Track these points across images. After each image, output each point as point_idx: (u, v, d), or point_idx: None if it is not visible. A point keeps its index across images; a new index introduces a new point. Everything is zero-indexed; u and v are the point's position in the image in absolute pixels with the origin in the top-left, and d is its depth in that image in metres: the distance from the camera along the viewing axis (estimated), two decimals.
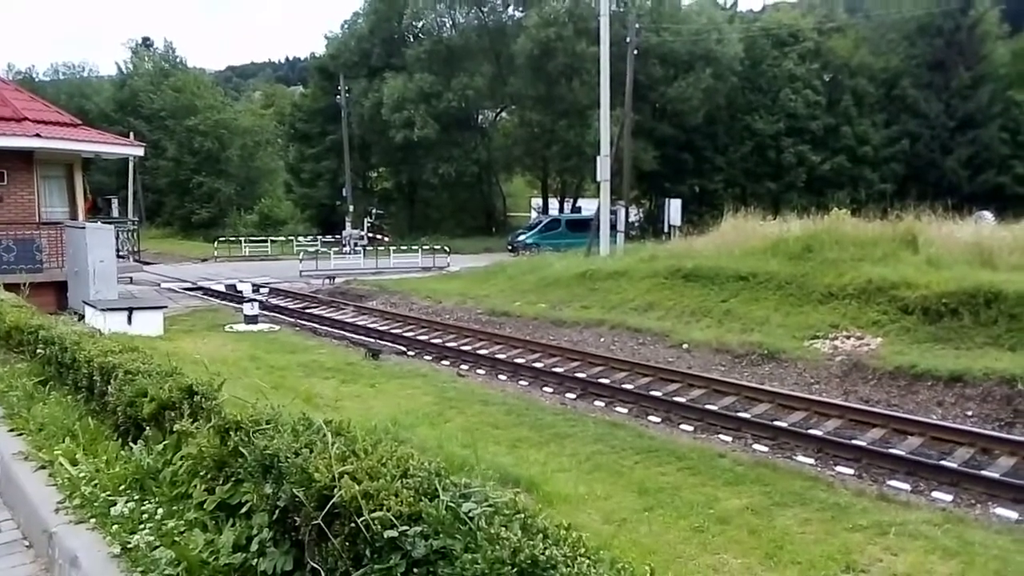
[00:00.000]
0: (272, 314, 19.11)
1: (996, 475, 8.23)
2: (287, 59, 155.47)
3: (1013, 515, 7.35)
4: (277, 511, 2.56)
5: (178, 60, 64.76)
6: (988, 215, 23.62)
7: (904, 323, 13.45)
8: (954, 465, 8.58)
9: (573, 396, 12.00)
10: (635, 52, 33.13)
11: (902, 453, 9.00)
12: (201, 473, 3.27)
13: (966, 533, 6.48)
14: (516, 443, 8.72)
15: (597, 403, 11.56)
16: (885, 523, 6.49)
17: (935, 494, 7.91)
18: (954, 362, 11.57)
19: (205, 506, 3.11)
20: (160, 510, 3.31)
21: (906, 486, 8.10)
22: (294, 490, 2.39)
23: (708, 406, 11.04)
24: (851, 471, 8.58)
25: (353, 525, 2.11)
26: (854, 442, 9.36)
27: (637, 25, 36.08)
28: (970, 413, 10.51)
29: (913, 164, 47.43)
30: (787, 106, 46.55)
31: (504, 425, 9.52)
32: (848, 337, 13.51)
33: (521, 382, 12.97)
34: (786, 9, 57.50)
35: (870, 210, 19.17)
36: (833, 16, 53.78)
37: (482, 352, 15.12)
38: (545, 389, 12.44)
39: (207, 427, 3.31)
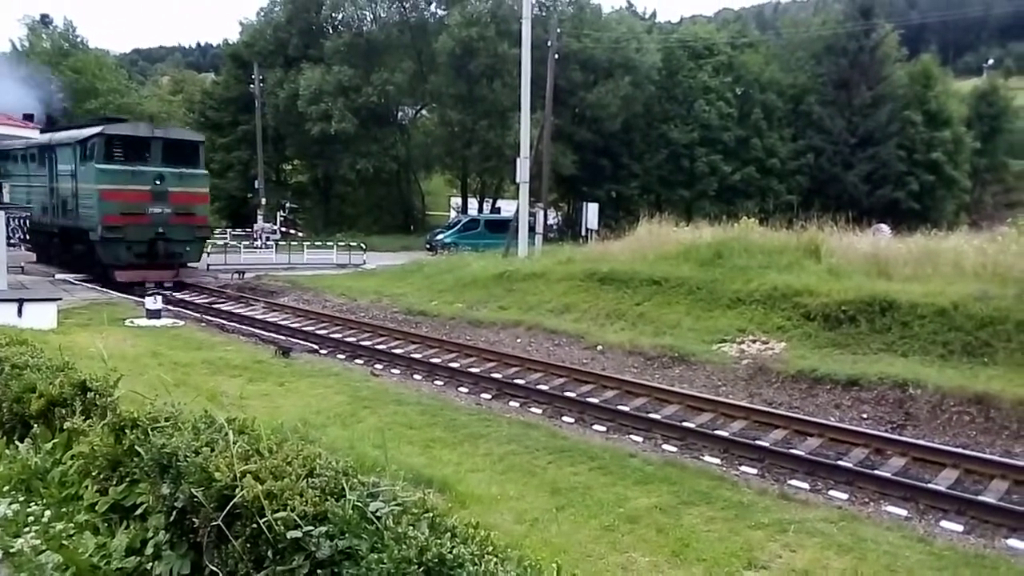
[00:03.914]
0: (177, 309, 18.40)
1: (888, 474, 8.66)
2: (198, 44, 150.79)
3: (903, 512, 7.75)
4: (174, 512, 2.45)
5: (79, 40, 61.32)
6: (885, 228, 24.71)
7: (806, 329, 14.03)
8: (850, 465, 8.98)
9: (488, 396, 11.99)
10: (556, 56, 33.41)
11: (802, 453, 9.37)
12: (93, 473, 3.11)
13: (860, 530, 6.79)
14: (430, 443, 8.64)
15: (512, 403, 11.59)
16: (785, 521, 6.73)
17: (832, 493, 8.26)
18: (851, 367, 12.12)
19: (97, 508, 2.95)
20: (47, 512, 3.13)
21: (805, 485, 8.44)
22: (193, 490, 2.29)
23: (620, 407, 11.23)
24: (755, 471, 8.87)
25: (255, 526, 2.03)
26: (758, 443, 9.69)
27: (559, 30, 36.46)
28: (865, 416, 11.03)
29: (817, 177, 49.60)
30: (701, 117, 47.92)
31: (418, 425, 9.42)
32: (754, 341, 13.99)
33: (436, 382, 12.89)
34: (702, 23, 59.43)
35: (777, 220, 19.86)
36: (746, 32, 55.93)
37: (397, 351, 14.95)
38: (460, 389, 12.39)
39: (101, 424, 3.16)
